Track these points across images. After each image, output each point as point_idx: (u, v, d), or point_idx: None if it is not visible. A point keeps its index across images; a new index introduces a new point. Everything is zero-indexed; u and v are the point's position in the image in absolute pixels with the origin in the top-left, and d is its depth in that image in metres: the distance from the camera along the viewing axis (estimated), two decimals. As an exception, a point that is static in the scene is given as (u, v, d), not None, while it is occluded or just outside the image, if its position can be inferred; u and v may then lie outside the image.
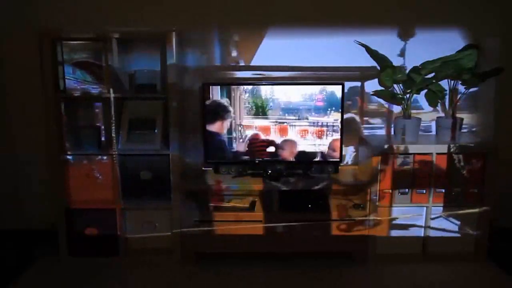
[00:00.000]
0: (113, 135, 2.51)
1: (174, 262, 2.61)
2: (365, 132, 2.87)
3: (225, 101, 2.62)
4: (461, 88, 2.70)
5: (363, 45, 2.72)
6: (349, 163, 2.89)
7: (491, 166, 2.52)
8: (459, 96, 2.71)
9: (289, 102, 2.65)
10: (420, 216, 2.60)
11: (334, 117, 2.66)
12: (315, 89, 2.64)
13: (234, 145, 2.69)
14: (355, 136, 2.84)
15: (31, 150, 2.81)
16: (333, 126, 2.67)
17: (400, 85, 2.67)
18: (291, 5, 2.70)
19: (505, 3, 2.71)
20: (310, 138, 2.68)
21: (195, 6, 2.69)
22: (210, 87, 2.63)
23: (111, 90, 2.45)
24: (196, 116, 2.75)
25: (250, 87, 2.64)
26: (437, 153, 2.52)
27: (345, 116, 2.70)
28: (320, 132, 2.68)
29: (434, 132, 2.85)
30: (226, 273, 2.52)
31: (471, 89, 2.76)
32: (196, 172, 2.82)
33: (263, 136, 2.68)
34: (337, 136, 2.67)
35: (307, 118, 2.66)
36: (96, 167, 2.60)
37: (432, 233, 2.60)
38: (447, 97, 2.69)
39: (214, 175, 2.73)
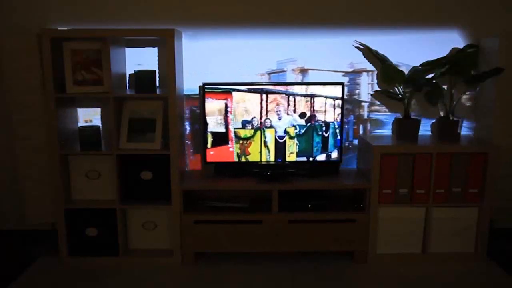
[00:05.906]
0: (113, 135, 2.51)
1: (174, 262, 2.61)
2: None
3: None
4: (461, 88, 2.70)
5: (363, 45, 2.73)
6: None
7: (491, 166, 2.52)
8: (459, 96, 2.71)
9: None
10: (420, 216, 2.60)
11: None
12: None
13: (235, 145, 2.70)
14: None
15: (31, 150, 2.80)
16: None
17: (401, 86, 2.68)
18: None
19: (505, 3, 2.71)
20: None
21: (196, 6, 2.69)
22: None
23: (111, 90, 2.45)
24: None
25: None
26: (437, 153, 2.52)
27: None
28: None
29: (434, 132, 2.85)
30: (226, 273, 2.52)
31: (471, 89, 2.77)
32: (196, 172, 2.82)
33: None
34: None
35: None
36: (96, 167, 2.60)
37: (432, 233, 2.60)
38: (447, 97, 2.69)
39: (214, 175, 2.73)
